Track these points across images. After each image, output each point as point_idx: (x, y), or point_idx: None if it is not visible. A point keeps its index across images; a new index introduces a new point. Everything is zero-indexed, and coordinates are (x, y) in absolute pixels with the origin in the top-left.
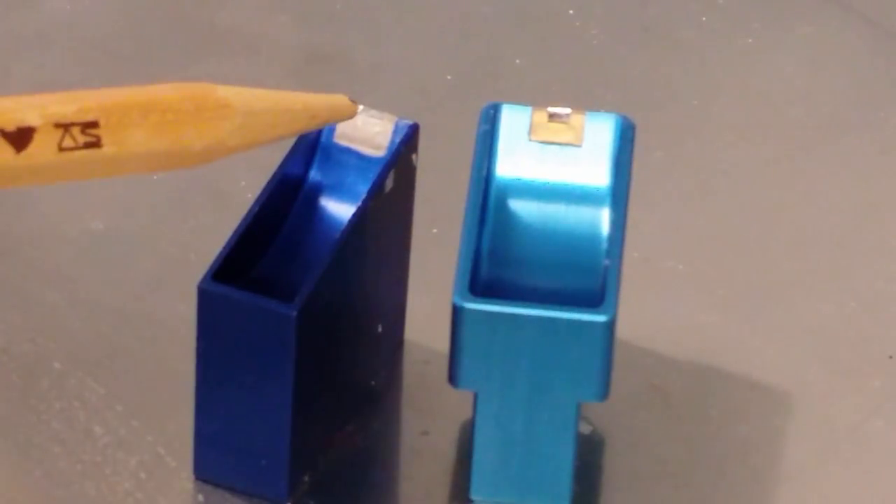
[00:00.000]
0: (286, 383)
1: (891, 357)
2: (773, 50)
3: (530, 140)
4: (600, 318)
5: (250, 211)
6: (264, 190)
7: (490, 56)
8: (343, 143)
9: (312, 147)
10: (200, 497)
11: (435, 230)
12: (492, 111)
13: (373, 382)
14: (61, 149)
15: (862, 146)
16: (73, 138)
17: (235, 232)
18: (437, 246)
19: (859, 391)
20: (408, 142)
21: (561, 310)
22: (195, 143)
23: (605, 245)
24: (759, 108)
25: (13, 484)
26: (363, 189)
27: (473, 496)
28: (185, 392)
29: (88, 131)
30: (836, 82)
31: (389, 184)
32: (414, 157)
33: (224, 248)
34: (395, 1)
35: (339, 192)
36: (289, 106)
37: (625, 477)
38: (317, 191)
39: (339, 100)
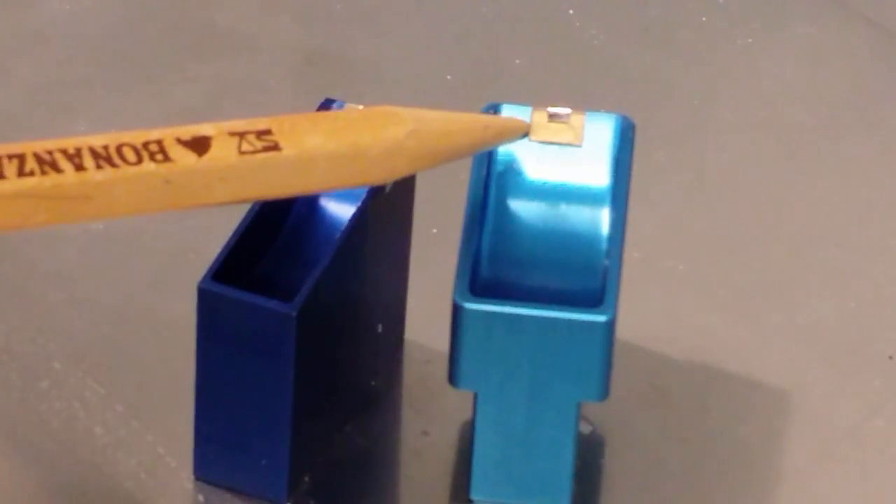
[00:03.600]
0: (286, 383)
1: (891, 357)
2: (773, 50)
3: (530, 140)
4: (600, 318)
5: (250, 211)
6: None
7: (490, 56)
8: None
9: None
10: (200, 497)
11: (435, 230)
12: (492, 111)
13: (373, 382)
14: (241, 152)
15: (862, 146)
16: (251, 143)
17: (235, 232)
18: (437, 246)
19: (859, 391)
20: None
21: (561, 310)
22: (372, 147)
23: (605, 245)
24: (759, 108)
25: (13, 484)
26: (363, 189)
27: (473, 496)
28: (185, 392)
29: (264, 137)
30: (836, 82)
31: (389, 184)
32: None
33: (224, 248)
34: (395, 1)
35: (339, 193)
36: (459, 117)
37: (625, 477)
38: None
39: (513, 119)
